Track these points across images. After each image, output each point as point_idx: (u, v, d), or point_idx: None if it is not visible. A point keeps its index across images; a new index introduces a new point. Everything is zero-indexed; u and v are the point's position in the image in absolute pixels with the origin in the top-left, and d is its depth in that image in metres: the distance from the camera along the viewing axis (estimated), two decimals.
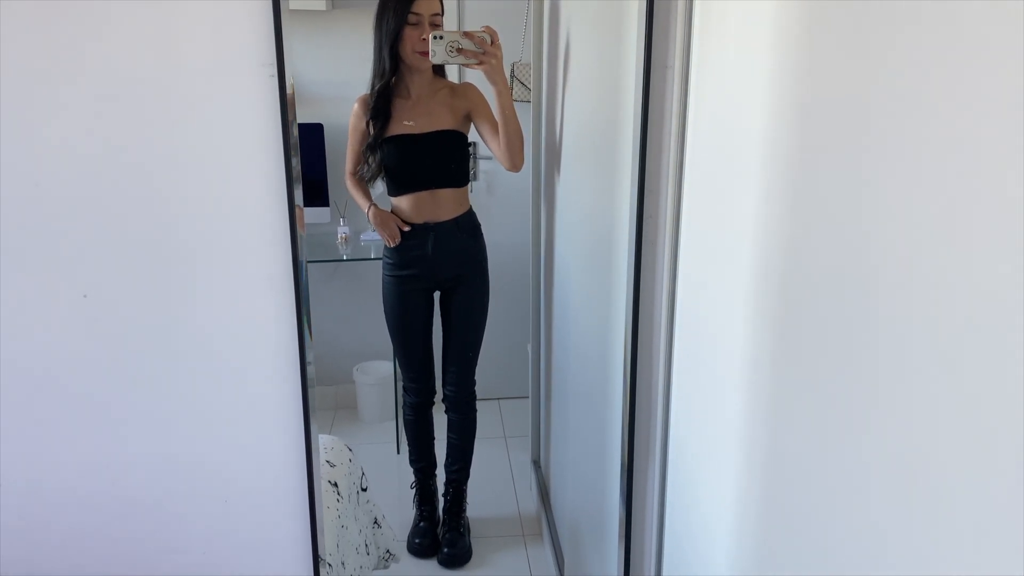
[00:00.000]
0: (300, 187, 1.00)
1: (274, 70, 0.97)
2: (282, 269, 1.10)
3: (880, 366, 0.68)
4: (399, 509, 2.68)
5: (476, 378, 2.52)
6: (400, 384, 2.60)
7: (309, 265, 3.16)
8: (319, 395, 3.42)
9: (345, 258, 3.04)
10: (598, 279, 1.71)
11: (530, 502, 2.82)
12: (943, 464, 0.60)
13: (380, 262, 2.40)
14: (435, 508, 2.60)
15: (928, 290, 0.61)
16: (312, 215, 3.05)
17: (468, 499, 2.61)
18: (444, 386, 2.46)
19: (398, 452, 3.14)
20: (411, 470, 2.63)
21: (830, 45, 0.74)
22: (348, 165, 2.30)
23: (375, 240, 3.07)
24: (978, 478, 0.56)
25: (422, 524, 2.53)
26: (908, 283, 0.63)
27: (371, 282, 3.22)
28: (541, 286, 2.67)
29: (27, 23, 0.98)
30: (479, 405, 2.57)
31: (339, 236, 3.05)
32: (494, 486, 2.90)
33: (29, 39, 0.99)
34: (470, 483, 2.62)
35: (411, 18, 2.04)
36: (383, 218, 2.25)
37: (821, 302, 0.77)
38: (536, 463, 2.92)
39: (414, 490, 2.63)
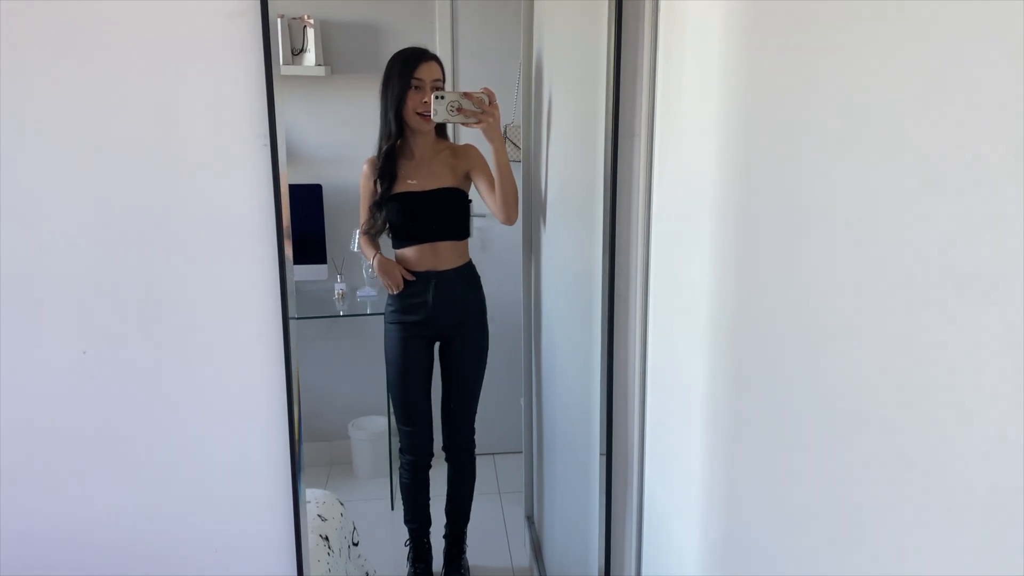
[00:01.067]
0: (290, 249, 1.06)
1: (267, 140, 1.04)
2: (272, 326, 1.15)
3: (817, 405, 0.72)
4: (393, 565, 2.67)
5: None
6: (395, 442, 2.62)
7: (306, 321, 3.24)
8: (314, 451, 3.43)
9: (342, 314, 3.09)
10: (579, 334, 1.76)
11: (524, 557, 2.81)
12: (878, 501, 0.64)
13: (376, 318, 2.52)
14: (428, 566, 2.61)
15: (861, 337, 0.66)
16: (310, 272, 3.12)
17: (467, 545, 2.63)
18: (444, 436, 2.50)
19: (392, 508, 3.13)
20: (405, 528, 2.63)
21: (767, 119, 0.81)
22: (361, 221, 2.42)
23: (371, 297, 3.13)
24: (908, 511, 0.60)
25: None
26: (843, 326, 0.68)
27: (367, 338, 3.28)
28: (532, 340, 2.72)
29: (30, 90, 1.06)
30: None
31: (336, 292, 3.11)
32: (489, 541, 2.90)
33: (32, 106, 1.06)
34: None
35: (414, 83, 2.18)
36: (388, 266, 2.34)
37: (771, 353, 0.82)
38: (530, 519, 2.92)
39: (408, 547, 2.63)
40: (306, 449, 3.48)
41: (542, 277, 2.41)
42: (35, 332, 1.11)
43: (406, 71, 2.18)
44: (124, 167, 1.09)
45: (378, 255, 2.37)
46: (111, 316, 1.12)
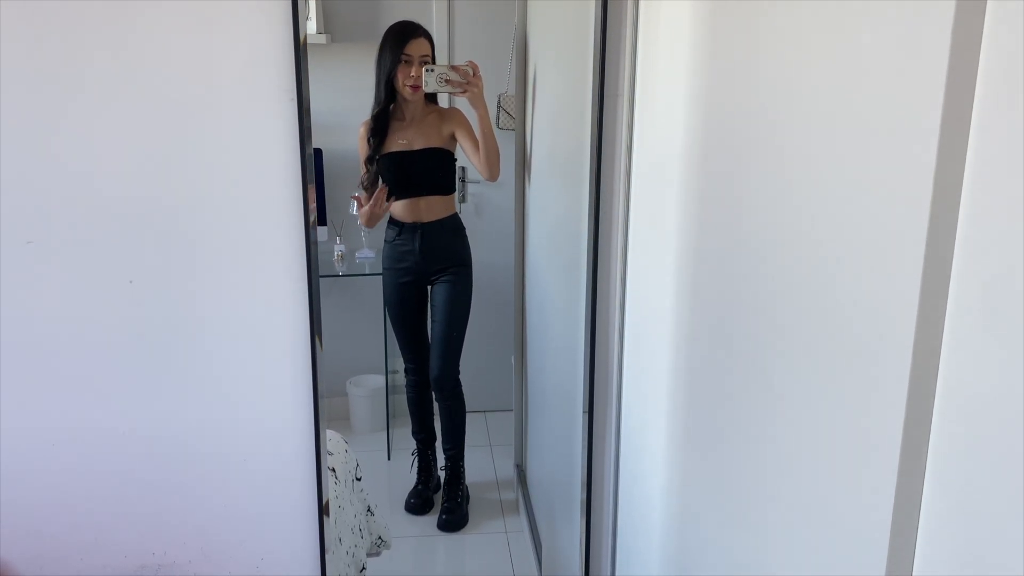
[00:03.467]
0: (313, 195, 1.21)
1: (294, 95, 1.18)
2: (296, 257, 1.29)
3: (768, 355, 0.88)
4: (391, 514, 2.86)
5: (464, 391, 2.81)
6: (392, 400, 2.94)
7: None
8: None
9: (341, 274, 3.23)
10: (566, 287, 1.92)
11: (513, 497, 3.00)
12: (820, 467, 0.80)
13: (374, 279, 2.84)
14: (431, 475, 2.95)
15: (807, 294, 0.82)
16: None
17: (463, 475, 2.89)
18: (431, 372, 2.74)
19: (389, 459, 3.30)
20: (412, 441, 2.98)
21: (726, 75, 0.96)
22: (360, 176, 2.69)
23: (369, 258, 3.28)
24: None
25: (419, 487, 2.93)
26: (784, 262, 0.84)
27: (365, 298, 3.42)
28: (524, 302, 2.88)
29: (83, 47, 1.19)
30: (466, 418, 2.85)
31: (335, 254, 3.25)
32: (480, 488, 3.08)
33: (86, 60, 1.20)
34: None
35: (403, 58, 2.46)
36: (373, 208, 2.57)
37: (725, 284, 0.98)
38: (519, 467, 3.10)
39: (414, 457, 2.99)
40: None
41: (535, 235, 2.57)
42: (88, 263, 1.26)
43: (396, 46, 2.45)
44: (162, 117, 1.23)
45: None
46: (154, 253, 1.27)
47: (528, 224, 2.68)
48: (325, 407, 3.59)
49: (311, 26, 3.11)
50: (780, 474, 0.84)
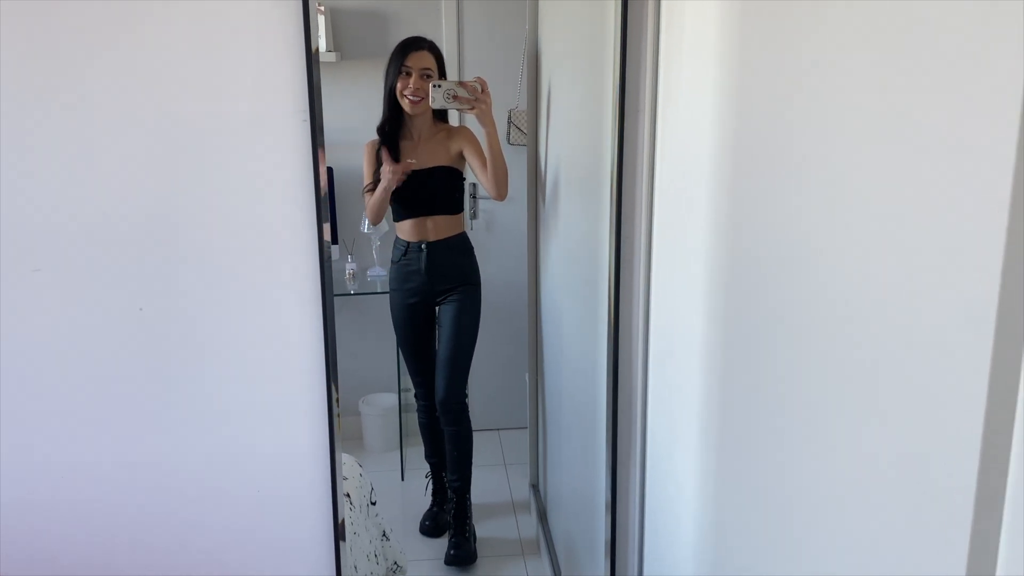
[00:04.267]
0: (329, 229, 1.17)
1: (306, 115, 1.15)
2: (311, 284, 1.26)
3: (799, 351, 0.84)
4: (405, 536, 2.81)
5: (477, 409, 2.75)
6: (405, 418, 2.87)
7: None
8: None
9: (352, 293, 3.20)
10: (585, 304, 1.88)
11: (530, 525, 2.94)
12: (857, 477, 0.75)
13: (385, 296, 2.73)
14: (446, 498, 2.87)
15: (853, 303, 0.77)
16: None
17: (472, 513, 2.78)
18: (436, 393, 2.66)
19: (403, 479, 3.26)
20: (418, 502, 2.86)
21: (759, 95, 0.92)
22: (364, 184, 2.65)
23: (381, 276, 3.25)
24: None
25: (434, 509, 2.89)
26: (822, 281, 0.80)
27: (377, 316, 3.39)
28: (538, 318, 2.84)
29: (90, 67, 1.16)
30: (479, 436, 2.77)
31: (347, 272, 3.22)
32: (495, 510, 3.03)
33: (92, 80, 1.17)
34: (475, 505, 2.77)
35: (404, 69, 2.42)
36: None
37: (760, 303, 0.94)
38: (535, 487, 3.05)
39: (428, 479, 2.94)
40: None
41: (551, 253, 2.53)
42: (97, 291, 1.23)
43: (397, 59, 2.43)
44: (176, 138, 1.20)
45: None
46: (164, 280, 1.23)
47: (541, 241, 2.63)
48: (337, 427, 3.54)
49: (320, 43, 3.09)
50: (830, 504, 0.80)
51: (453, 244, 2.62)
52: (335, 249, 3.25)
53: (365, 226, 2.86)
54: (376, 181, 2.54)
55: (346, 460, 2.05)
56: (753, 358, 0.96)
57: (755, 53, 0.92)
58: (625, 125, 1.28)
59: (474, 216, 3.44)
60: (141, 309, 1.22)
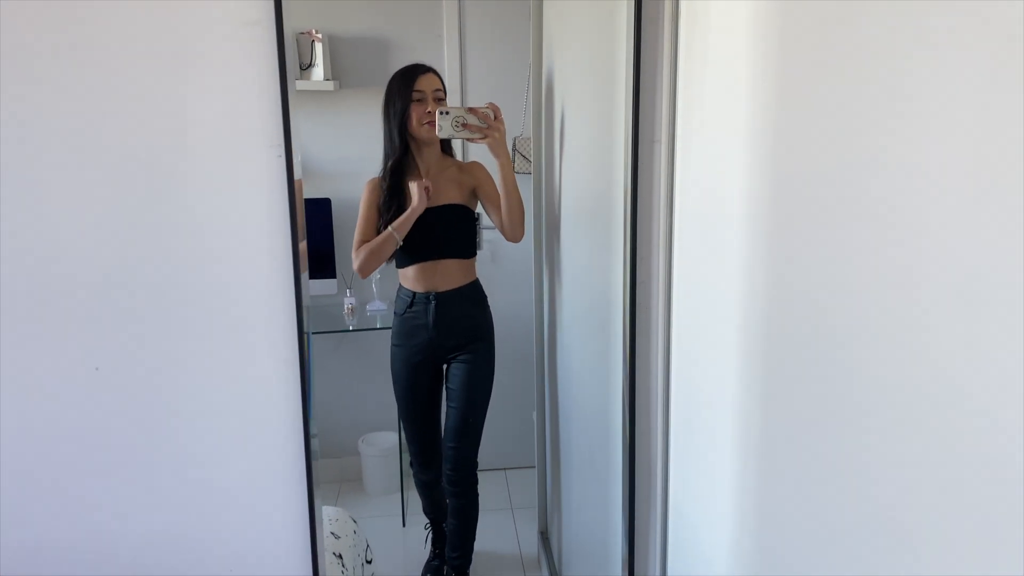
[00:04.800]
0: (306, 262, 1.04)
1: (282, 151, 1.02)
2: (287, 340, 1.13)
3: (854, 414, 0.70)
4: None
5: (482, 448, 2.47)
6: (406, 457, 2.61)
7: (315, 336, 3.21)
8: (324, 467, 3.40)
9: (351, 328, 3.07)
10: (596, 346, 1.73)
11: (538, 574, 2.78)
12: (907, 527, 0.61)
13: (385, 332, 2.45)
14: (445, 548, 2.63)
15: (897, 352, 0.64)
16: (319, 287, 3.10)
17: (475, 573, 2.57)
18: (443, 463, 2.42)
19: (404, 525, 3.10)
20: (418, 552, 2.64)
21: (803, 118, 0.79)
22: (356, 238, 2.30)
23: (381, 311, 3.12)
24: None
25: (434, 562, 2.66)
26: (882, 339, 0.66)
27: (377, 353, 3.25)
28: (545, 354, 2.69)
29: (40, 98, 1.04)
30: (484, 476, 2.54)
31: (345, 307, 3.09)
32: (501, 559, 2.86)
33: (44, 114, 1.05)
34: (478, 554, 2.58)
35: (415, 95, 2.17)
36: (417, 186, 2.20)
37: (803, 359, 0.79)
38: (543, 534, 2.88)
39: (428, 531, 2.72)
40: (316, 465, 3.47)
41: (559, 289, 2.37)
42: (46, 349, 1.09)
43: (406, 85, 2.19)
44: (136, 177, 1.07)
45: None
46: (124, 332, 1.10)
47: (559, 273, 2.44)
48: (335, 468, 3.40)
49: (318, 72, 3.00)
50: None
51: (466, 294, 2.32)
52: (332, 283, 3.13)
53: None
54: (375, 232, 2.23)
55: (338, 516, 1.90)
56: (799, 409, 0.82)
57: (803, 80, 0.79)
58: (639, 158, 1.14)
59: (478, 246, 3.31)
60: (97, 368, 1.09)
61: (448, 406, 2.40)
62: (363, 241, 2.28)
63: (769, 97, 0.85)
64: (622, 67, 1.19)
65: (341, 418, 3.37)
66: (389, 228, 2.20)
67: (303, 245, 1.08)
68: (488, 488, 2.62)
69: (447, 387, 2.41)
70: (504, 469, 3.49)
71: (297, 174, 1.04)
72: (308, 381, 1.09)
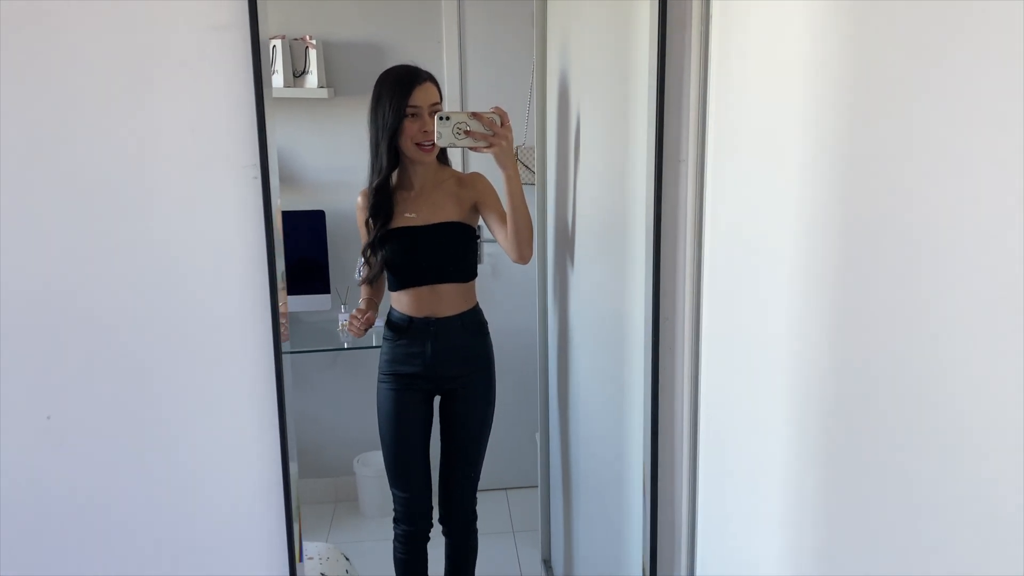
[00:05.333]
0: (285, 297, 0.92)
1: (257, 171, 0.90)
2: (264, 375, 1.00)
3: (931, 494, 0.57)
4: None
5: (482, 468, 2.26)
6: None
7: (308, 354, 3.09)
8: (318, 487, 3.28)
9: (346, 346, 2.95)
10: (611, 369, 1.61)
11: None
12: None
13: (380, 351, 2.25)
14: None
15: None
16: (312, 302, 2.98)
17: None
18: (440, 505, 2.23)
19: None
20: None
21: (872, 129, 0.67)
22: (357, 269, 2.20)
23: (377, 328, 2.99)
24: None
25: None
26: (950, 386, 0.54)
27: (373, 370, 3.10)
28: (549, 373, 2.57)
29: (13, 128, 0.92)
30: (484, 496, 2.36)
31: (340, 324, 2.97)
32: None
33: (11, 142, 0.93)
34: None
35: (410, 110, 1.94)
36: (359, 314, 2.14)
37: (877, 434, 0.67)
38: (547, 563, 2.75)
39: None
40: (310, 485, 3.35)
41: (569, 312, 2.21)
42: None
43: (399, 97, 1.94)
44: (93, 199, 0.95)
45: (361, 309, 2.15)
46: (79, 379, 0.97)
47: (556, 293, 2.31)
48: (330, 489, 3.26)
49: (311, 80, 2.88)
50: None
51: (467, 321, 2.10)
52: (326, 299, 3.00)
53: (359, 274, 2.59)
54: (371, 262, 2.05)
55: (330, 554, 1.78)
56: (871, 457, 0.70)
57: (883, 96, 0.66)
58: (664, 180, 1.01)
59: (479, 260, 3.19)
60: (49, 417, 0.96)
61: (445, 444, 2.19)
62: (363, 263, 2.14)
63: (835, 113, 0.72)
64: (640, 75, 1.06)
65: (336, 437, 3.25)
66: (362, 303, 2.15)
67: (281, 269, 0.95)
68: (488, 509, 2.42)
69: (445, 424, 2.19)
70: (505, 489, 3.37)
71: (274, 196, 0.91)
72: (287, 421, 0.96)
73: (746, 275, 0.89)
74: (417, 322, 2.07)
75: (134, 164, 0.93)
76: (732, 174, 0.91)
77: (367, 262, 2.09)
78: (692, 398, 1.04)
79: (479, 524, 2.31)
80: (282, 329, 0.95)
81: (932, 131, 0.58)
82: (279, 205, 0.92)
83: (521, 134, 3.04)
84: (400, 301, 2.11)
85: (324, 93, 2.88)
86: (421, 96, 1.95)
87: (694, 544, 1.08)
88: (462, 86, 3.10)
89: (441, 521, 2.24)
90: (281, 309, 0.92)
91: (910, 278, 0.61)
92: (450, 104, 3.08)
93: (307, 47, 2.87)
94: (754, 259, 0.86)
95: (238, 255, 0.93)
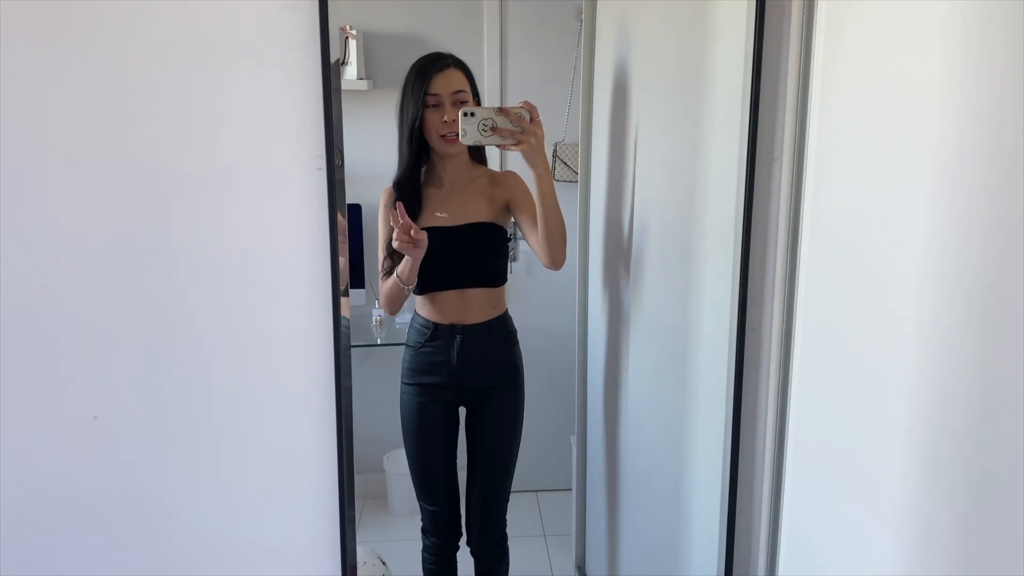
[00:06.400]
0: (347, 304, 0.86)
1: (322, 162, 0.84)
2: (324, 376, 0.95)
3: None
4: None
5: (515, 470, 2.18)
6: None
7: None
8: None
9: (379, 342, 2.91)
10: (673, 384, 1.53)
11: None
12: None
13: None
14: None
15: None
16: None
17: None
18: (467, 523, 2.14)
19: None
20: None
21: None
22: (379, 257, 2.01)
23: (401, 324, 2.94)
24: None
25: None
26: None
27: None
28: (588, 376, 2.50)
29: (40, 97, 0.87)
30: (515, 498, 2.28)
31: (374, 319, 2.93)
32: None
33: (45, 117, 0.88)
34: None
35: (429, 100, 1.83)
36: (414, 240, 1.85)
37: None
38: (580, 569, 2.69)
39: None
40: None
41: (622, 314, 2.11)
42: (34, 393, 0.92)
43: (418, 87, 1.82)
44: (151, 188, 0.90)
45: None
46: (129, 370, 0.92)
47: (606, 297, 2.21)
48: (359, 486, 3.20)
49: (351, 71, 2.84)
50: None
51: (495, 329, 1.99)
52: (360, 294, 2.96)
53: (375, 314, 2.46)
54: (394, 254, 1.88)
55: (368, 559, 1.73)
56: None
57: None
58: (756, 179, 0.94)
59: (513, 258, 3.12)
60: (96, 417, 0.91)
61: (472, 459, 2.09)
62: (384, 258, 1.99)
63: (980, 104, 0.65)
64: (721, 70, 0.99)
65: (366, 434, 3.21)
66: (395, 276, 1.90)
67: (344, 269, 0.90)
68: (519, 512, 2.34)
69: (472, 437, 2.08)
70: (536, 491, 3.32)
71: (341, 190, 0.86)
72: (344, 450, 0.91)
73: (861, 283, 0.81)
74: (442, 329, 1.97)
75: (192, 148, 0.88)
76: (835, 172, 0.84)
77: (391, 260, 1.94)
78: (777, 412, 0.97)
79: (509, 529, 2.21)
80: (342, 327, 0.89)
81: None
82: (344, 200, 0.87)
83: (561, 130, 2.97)
84: (424, 306, 2.01)
85: (363, 85, 2.84)
86: (442, 84, 1.84)
87: (775, 561, 1.02)
88: (502, 80, 3.04)
89: (469, 543, 2.14)
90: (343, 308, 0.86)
91: None
92: (490, 98, 3.02)
93: (347, 37, 2.82)
94: (873, 266, 0.78)
95: (300, 249, 0.87)
